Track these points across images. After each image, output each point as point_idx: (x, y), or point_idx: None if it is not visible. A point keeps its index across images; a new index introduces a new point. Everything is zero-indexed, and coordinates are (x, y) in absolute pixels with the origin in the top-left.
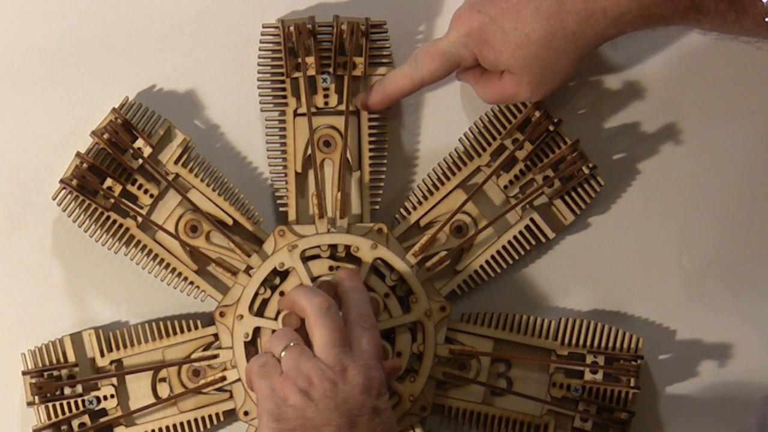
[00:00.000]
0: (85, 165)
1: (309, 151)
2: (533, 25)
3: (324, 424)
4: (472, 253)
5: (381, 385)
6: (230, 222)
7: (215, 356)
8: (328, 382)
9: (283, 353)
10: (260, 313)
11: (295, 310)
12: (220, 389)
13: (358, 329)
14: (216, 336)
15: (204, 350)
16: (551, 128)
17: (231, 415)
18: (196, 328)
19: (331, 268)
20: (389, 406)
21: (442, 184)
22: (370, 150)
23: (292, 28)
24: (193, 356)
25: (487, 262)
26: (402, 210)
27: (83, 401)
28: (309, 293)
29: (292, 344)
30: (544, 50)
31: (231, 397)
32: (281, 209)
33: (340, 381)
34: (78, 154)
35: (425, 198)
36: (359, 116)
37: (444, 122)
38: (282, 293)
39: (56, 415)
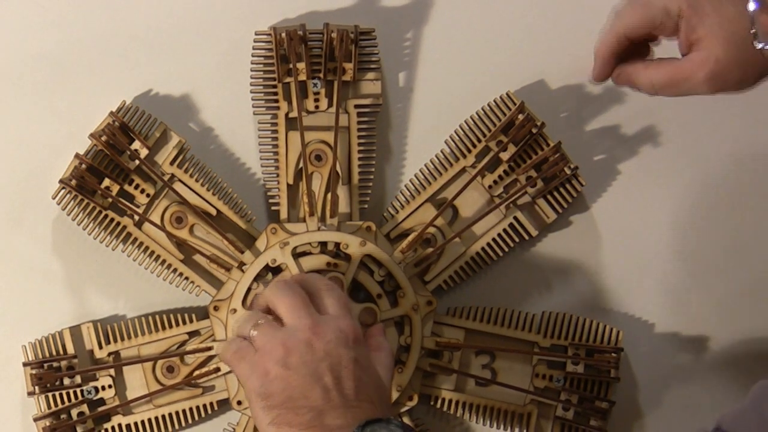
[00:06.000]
0: (83, 166)
1: (301, 164)
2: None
3: (310, 389)
4: (455, 252)
5: (355, 333)
6: (213, 213)
7: (209, 348)
8: (303, 344)
9: (253, 332)
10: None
11: (261, 308)
12: (194, 385)
13: (319, 293)
14: (191, 334)
15: (179, 347)
16: (534, 131)
17: (225, 404)
18: (191, 321)
19: (328, 264)
20: (368, 353)
21: (429, 183)
22: (359, 161)
23: (283, 35)
24: (184, 348)
25: (472, 258)
26: (390, 209)
27: (82, 391)
28: (271, 284)
29: (260, 321)
30: (747, 42)
31: (203, 393)
32: (273, 208)
33: (314, 339)
34: (77, 156)
35: (413, 197)
36: (349, 131)
37: (431, 124)
38: None
39: (56, 405)
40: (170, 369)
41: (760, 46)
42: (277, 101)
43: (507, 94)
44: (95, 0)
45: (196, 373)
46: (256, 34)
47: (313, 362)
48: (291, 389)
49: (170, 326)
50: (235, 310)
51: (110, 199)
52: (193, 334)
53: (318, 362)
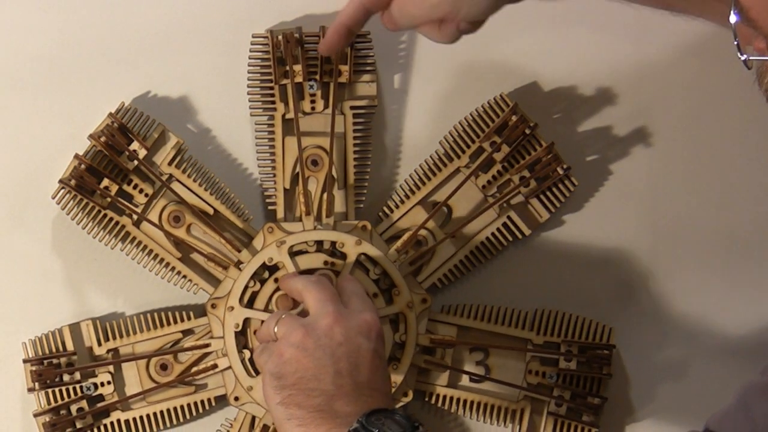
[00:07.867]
0: (83, 166)
1: (298, 169)
2: None
3: (323, 372)
4: (449, 251)
5: (377, 328)
6: (211, 212)
7: (207, 345)
8: (323, 330)
9: (275, 328)
10: (250, 304)
11: (291, 294)
12: (187, 383)
13: (348, 293)
14: (184, 333)
15: (173, 345)
16: (527, 131)
17: (222, 400)
18: (189, 319)
19: (324, 263)
20: (384, 349)
21: (424, 183)
22: (355, 161)
23: (280, 38)
24: (183, 345)
25: (466, 257)
26: (385, 208)
27: (81, 387)
28: (302, 276)
29: (282, 316)
30: None
31: (196, 391)
32: (270, 207)
33: (335, 326)
34: (76, 156)
35: (408, 197)
36: (345, 132)
37: (425, 125)
38: (276, 280)
39: (56, 401)
40: (163, 367)
41: (743, 57)
42: (273, 103)
43: (501, 95)
44: (94, 2)
45: (194, 369)
46: (253, 37)
47: (330, 347)
48: (304, 370)
49: (168, 324)
50: (232, 308)
51: (109, 199)
52: (187, 332)
53: (335, 347)
